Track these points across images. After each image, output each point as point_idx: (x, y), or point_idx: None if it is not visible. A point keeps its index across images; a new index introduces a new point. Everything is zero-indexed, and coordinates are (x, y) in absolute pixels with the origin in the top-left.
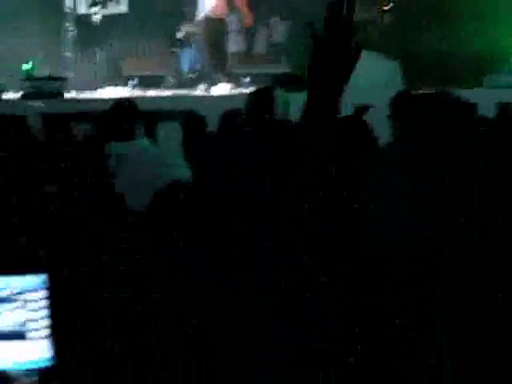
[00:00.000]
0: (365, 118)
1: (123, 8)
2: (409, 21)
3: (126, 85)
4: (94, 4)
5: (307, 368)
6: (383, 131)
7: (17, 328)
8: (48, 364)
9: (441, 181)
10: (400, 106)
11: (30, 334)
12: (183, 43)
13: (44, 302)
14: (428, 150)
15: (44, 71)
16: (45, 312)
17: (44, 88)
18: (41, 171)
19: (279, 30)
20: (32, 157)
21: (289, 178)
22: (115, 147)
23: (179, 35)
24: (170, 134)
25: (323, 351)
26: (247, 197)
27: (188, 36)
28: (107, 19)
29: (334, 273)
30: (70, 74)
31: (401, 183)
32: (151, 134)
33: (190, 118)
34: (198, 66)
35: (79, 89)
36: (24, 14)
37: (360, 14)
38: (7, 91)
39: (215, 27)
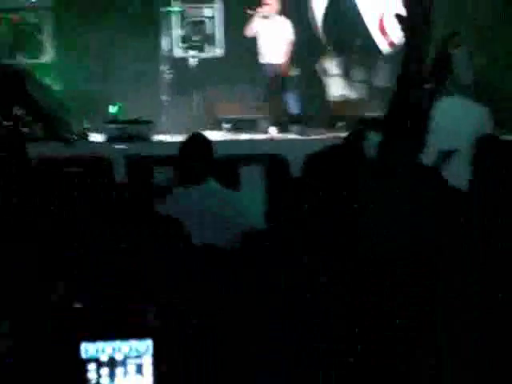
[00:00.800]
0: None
1: (219, 51)
2: (499, 62)
3: (219, 128)
4: (190, 47)
5: (307, 368)
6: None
7: None
8: None
9: None
10: (484, 150)
11: None
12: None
13: (150, 367)
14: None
15: (134, 114)
16: (151, 377)
17: (130, 131)
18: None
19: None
20: (115, 199)
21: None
22: (183, 190)
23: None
24: (251, 178)
25: (323, 351)
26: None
27: (285, 79)
28: (203, 62)
29: (334, 273)
30: (164, 117)
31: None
32: (227, 177)
33: (272, 162)
34: (295, 110)
35: (173, 132)
36: (118, 55)
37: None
38: (93, 133)
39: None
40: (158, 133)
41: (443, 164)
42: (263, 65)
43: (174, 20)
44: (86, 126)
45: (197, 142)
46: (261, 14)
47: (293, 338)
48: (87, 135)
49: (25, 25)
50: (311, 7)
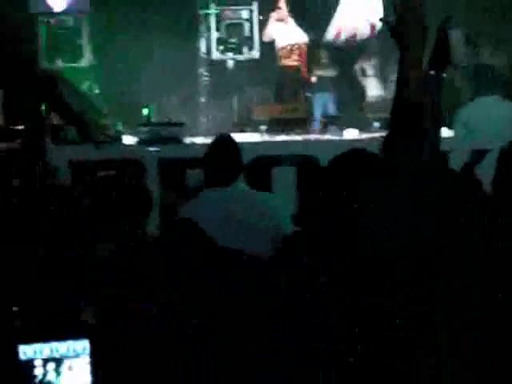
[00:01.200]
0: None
1: (256, 53)
2: None
3: (256, 130)
4: (228, 50)
5: (307, 368)
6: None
7: None
8: None
9: None
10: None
11: None
12: (316, 87)
13: (87, 367)
14: None
15: (171, 116)
16: (89, 377)
17: (162, 133)
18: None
19: None
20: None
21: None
22: (210, 193)
23: (312, 79)
24: (283, 179)
25: (323, 351)
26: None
27: (321, 80)
28: (241, 64)
29: (334, 273)
30: (202, 119)
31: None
32: (258, 179)
33: (304, 163)
34: (330, 111)
35: (210, 134)
36: (155, 58)
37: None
38: (126, 135)
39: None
40: (195, 135)
41: (476, 164)
42: (281, 67)
43: (212, 22)
44: (119, 128)
45: (223, 143)
46: (275, 18)
47: (293, 338)
48: (121, 138)
49: (63, 28)
50: None
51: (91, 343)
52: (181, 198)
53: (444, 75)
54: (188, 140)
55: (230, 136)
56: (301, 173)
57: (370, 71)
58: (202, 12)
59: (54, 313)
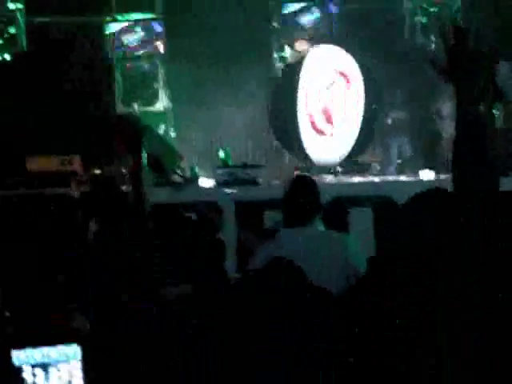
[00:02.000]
0: None
1: None
2: None
3: (331, 172)
4: None
5: (307, 368)
6: None
7: None
8: None
9: None
10: None
11: None
12: (393, 130)
13: (78, 372)
14: None
15: (248, 159)
16: (81, 381)
17: (239, 176)
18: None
19: None
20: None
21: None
22: (289, 232)
23: (389, 121)
24: (359, 220)
25: (323, 351)
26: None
27: (397, 123)
28: None
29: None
30: (277, 162)
31: None
32: (334, 219)
33: (380, 203)
34: (406, 152)
35: (286, 176)
36: (229, 101)
37: None
38: (203, 178)
39: None
40: (271, 177)
41: None
42: None
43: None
44: (196, 171)
45: (302, 184)
46: None
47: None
48: (198, 180)
49: (138, 72)
50: None
51: (82, 348)
52: (258, 240)
53: (496, 111)
54: (264, 182)
55: (309, 176)
56: (377, 213)
57: (445, 112)
58: (277, 55)
59: (45, 318)
